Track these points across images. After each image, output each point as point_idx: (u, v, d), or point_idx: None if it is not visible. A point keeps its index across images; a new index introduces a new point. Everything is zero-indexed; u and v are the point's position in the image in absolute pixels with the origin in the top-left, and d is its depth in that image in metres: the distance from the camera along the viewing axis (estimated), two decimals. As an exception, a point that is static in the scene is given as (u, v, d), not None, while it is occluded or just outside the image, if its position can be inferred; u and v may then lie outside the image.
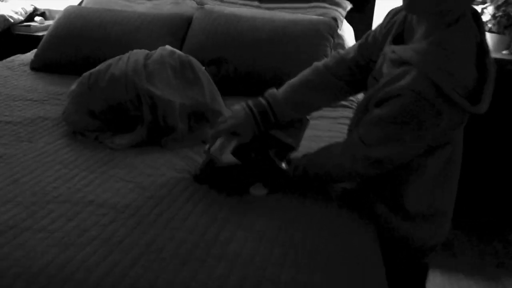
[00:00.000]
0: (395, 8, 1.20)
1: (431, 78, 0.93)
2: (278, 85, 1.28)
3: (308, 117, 1.28)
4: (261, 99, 1.23)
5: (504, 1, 2.31)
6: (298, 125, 1.24)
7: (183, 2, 2.60)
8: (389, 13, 1.20)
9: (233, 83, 2.03)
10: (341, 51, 1.27)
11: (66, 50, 2.25)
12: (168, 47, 1.76)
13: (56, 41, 2.29)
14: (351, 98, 2.07)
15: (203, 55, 2.14)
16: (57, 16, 2.46)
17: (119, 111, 1.55)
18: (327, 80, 1.23)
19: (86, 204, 1.13)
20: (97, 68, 1.64)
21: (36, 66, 2.29)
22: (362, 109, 1.11)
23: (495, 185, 2.48)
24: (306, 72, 1.26)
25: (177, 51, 1.73)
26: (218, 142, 1.20)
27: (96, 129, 1.54)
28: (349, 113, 1.93)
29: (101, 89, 1.55)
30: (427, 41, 0.98)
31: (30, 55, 2.47)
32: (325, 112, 1.93)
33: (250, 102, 1.22)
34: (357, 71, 1.23)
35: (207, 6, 2.49)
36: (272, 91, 1.24)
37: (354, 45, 1.26)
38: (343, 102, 2.02)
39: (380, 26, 1.20)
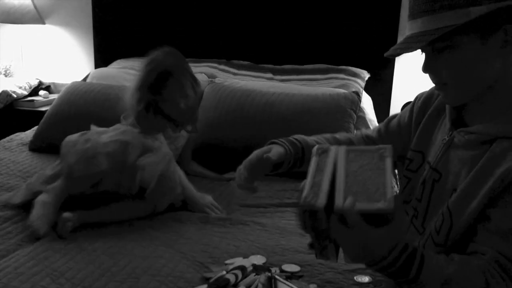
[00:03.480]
0: (424, 93, 1.09)
1: None
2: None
3: None
4: (292, 139, 1.15)
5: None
6: None
7: (193, 76, 2.46)
8: (417, 98, 1.09)
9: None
10: (364, 130, 1.24)
11: (67, 130, 2.08)
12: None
13: (57, 120, 2.15)
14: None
15: (215, 133, 1.99)
16: (60, 93, 2.33)
17: None
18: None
19: None
20: None
21: (35, 147, 2.13)
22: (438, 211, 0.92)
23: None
24: (329, 133, 1.21)
25: None
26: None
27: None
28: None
29: None
30: None
31: (30, 133, 2.31)
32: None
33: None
34: None
35: (218, 79, 2.37)
36: (302, 136, 1.17)
37: (374, 129, 1.21)
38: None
39: (410, 114, 1.09)
